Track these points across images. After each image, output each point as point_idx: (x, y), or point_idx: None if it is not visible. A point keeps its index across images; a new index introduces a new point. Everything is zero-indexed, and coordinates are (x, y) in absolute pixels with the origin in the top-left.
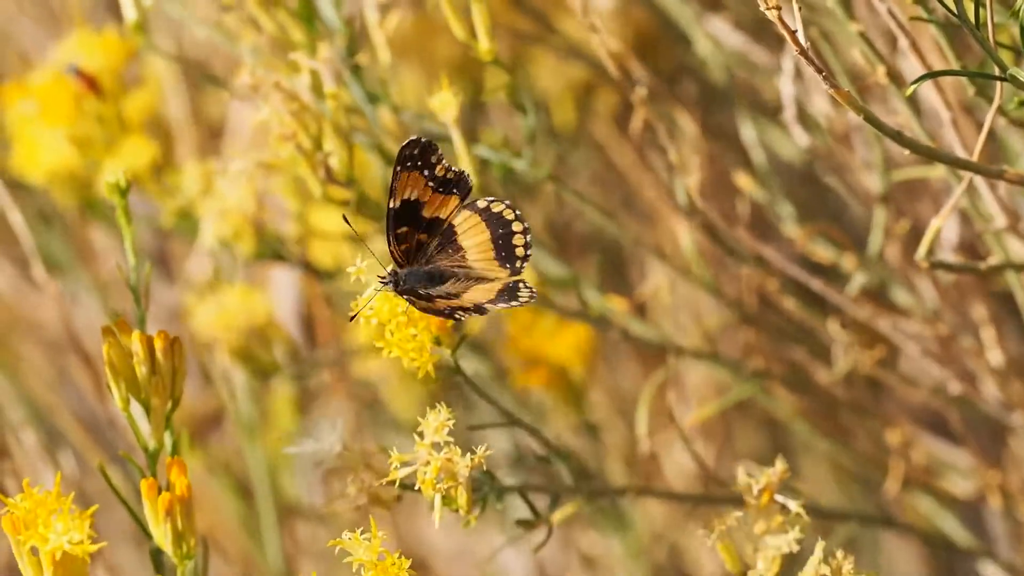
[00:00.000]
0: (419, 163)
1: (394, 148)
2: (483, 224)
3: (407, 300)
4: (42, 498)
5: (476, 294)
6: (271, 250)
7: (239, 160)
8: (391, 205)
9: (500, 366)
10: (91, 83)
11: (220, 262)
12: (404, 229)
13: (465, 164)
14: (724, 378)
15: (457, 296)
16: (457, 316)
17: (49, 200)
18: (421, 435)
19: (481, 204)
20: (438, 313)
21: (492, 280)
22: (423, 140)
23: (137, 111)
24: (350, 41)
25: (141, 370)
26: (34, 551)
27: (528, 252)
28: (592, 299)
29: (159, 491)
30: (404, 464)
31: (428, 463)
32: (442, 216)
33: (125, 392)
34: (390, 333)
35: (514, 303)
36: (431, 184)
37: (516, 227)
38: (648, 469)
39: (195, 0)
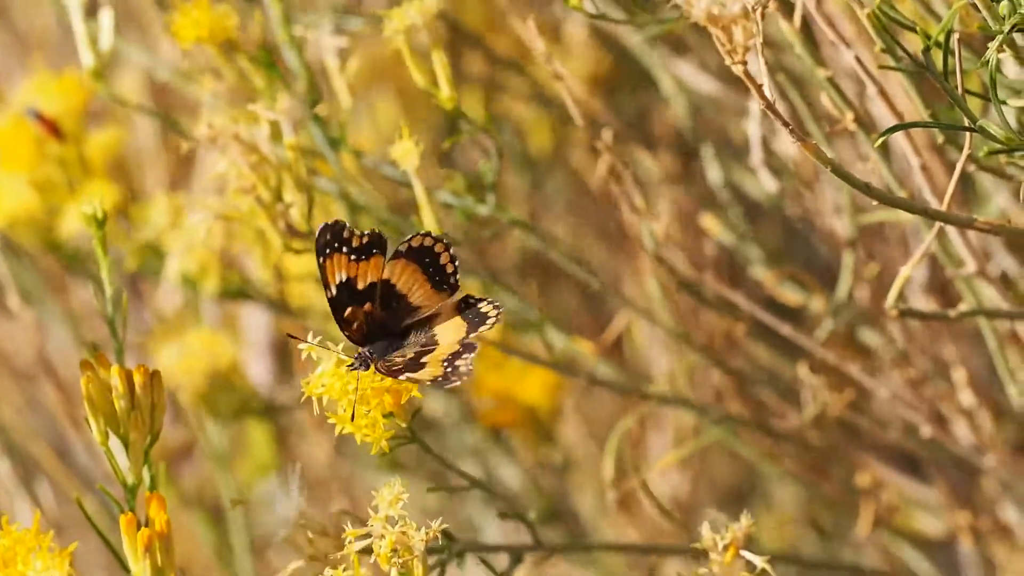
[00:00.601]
0: (336, 245)
1: (356, 195)
2: (409, 263)
3: (386, 374)
4: (21, 535)
5: (446, 335)
6: (238, 289)
7: (198, 212)
8: (329, 296)
9: (469, 405)
10: (51, 127)
11: (188, 299)
12: (349, 311)
13: (426, 212)
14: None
15: (430, 346)
16: (455, 372)
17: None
18: (375, 509)
19: (401, 248)
20: (434, 381)
21: (441, 314)
22: (329, 224)
23: (99, 153)
24: (311, 86)
25: (120, 404)
26: None
27: (455, 264)
28: (557, 342)
29: (138, 526)
30: (359, 538)
31: (383, 537)
32: (374, 279)
33: (104, 426)
34: (342, 409)
35: (490, 323)
36: (353, 257)
37: (437, 248)
38: (622, 502)
39: (163, 37)
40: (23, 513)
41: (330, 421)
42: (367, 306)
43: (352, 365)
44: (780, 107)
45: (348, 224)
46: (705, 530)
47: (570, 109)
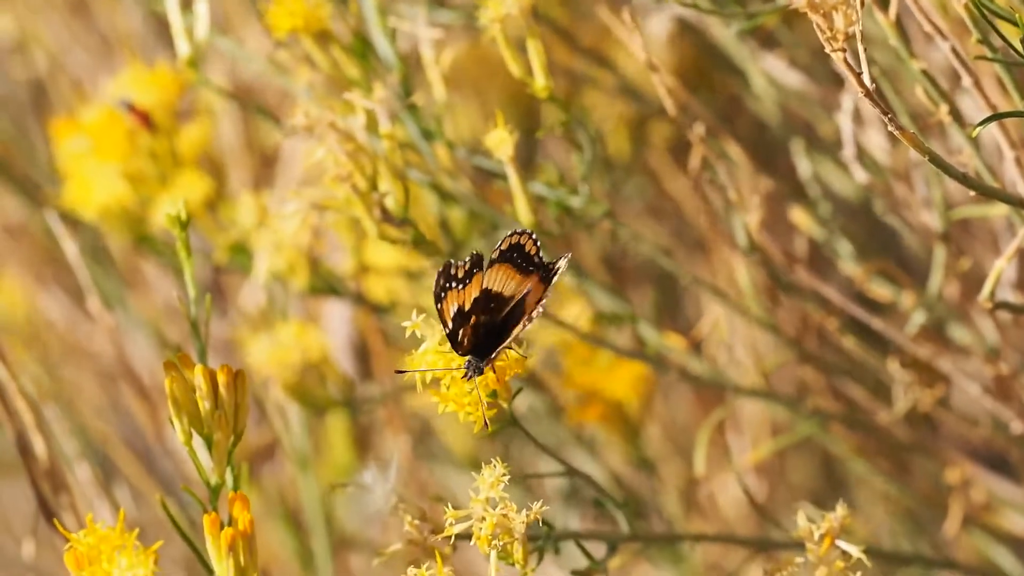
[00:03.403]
0: (448, 285)
1: (449, 184)
2: (502, 265)
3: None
4: (105, 534)
5: (530, 301)
6: (325, 284)
7: (293, 200)
8: (447, 331)
9: (556, 401)
10: (144, 118)
11: (274, 296)
12: (461, 333)
13: (520, 202)
14: (780, 414)
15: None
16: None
17: (100, 234)
18: (476, 491)
19: (494, 255)
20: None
21: (531, 291)
22: (440, 270)
23: (190, 146)
24: (405, 78)
25: (204, 405)
26: None
27: (538, 246)
28: (649, 337)
29: (221, 526)
30: (460, 520)
31: (483, 519)
32: (476, 295)
33: (187, 427)
34: (446, 387)
35: (559, 271)
36: (460, 287)
37: (523, 240)
38: (705, 503)
39: (248, 34)
40: (103, 515)
41: (434, 399)
42: (472, 319)
43: (465, 375)
44: (877, 99)
45: (452, 263)
46: (801, 520)
47: (663, 100)
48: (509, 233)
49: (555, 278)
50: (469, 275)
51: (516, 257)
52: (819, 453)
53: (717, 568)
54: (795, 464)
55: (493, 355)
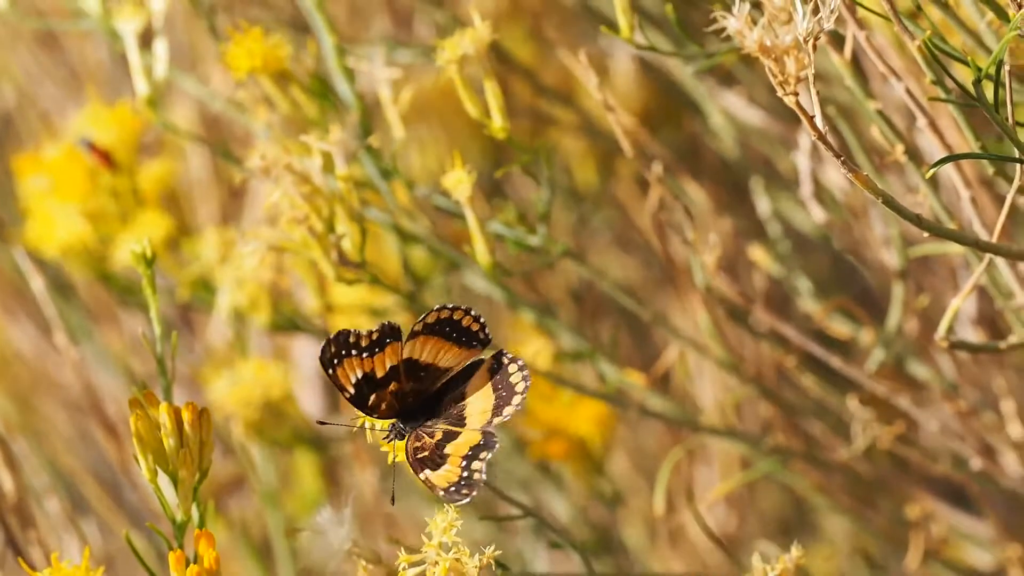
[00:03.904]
0: (343, 353)
1: (408, 224)
2: (429, 337)
3: (411, 464)
4: (71, 572)
5: (476, 405)
6: (288, 321)
7: (250, 242)
8: (347, 396)
9: (519, 437)
10: (104, 157)
11: (240, 332)
12: (373, 398)
13: (479, 243)
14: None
15: (458, 425)
16: (468, 481)
17: (66, 270)
18: (429, 536)
19: (417, 327)
20: (447, 491)
21: (475, 375)
22: (331, 338)
23: (152, 183)
24: (363, 117)
25: (169, 442)
26: None
27: (481, 322)
28: (609, 374)
29: (187, 563)
30: (413, 564)
31: (436, 563)
32: (394, 363)
33: (153, 464)
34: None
35: (517, 401)
36: (366, 354)
37: (456, 316)
38: (672, 535)
39: (214, 70)
40: (71, 549)
41: (383, 449)
42: (392, 386)
43: (387, 437)
44: (830, 139)
45: (353, 329)
46: (756, 560)
47: (620, 140)
48: (437, 307)
49: (507, 409)
50: (379, 344)
51: (449, 330)
52: (791, 489)
53: None
54: (764, 495)
55: (414, 458)
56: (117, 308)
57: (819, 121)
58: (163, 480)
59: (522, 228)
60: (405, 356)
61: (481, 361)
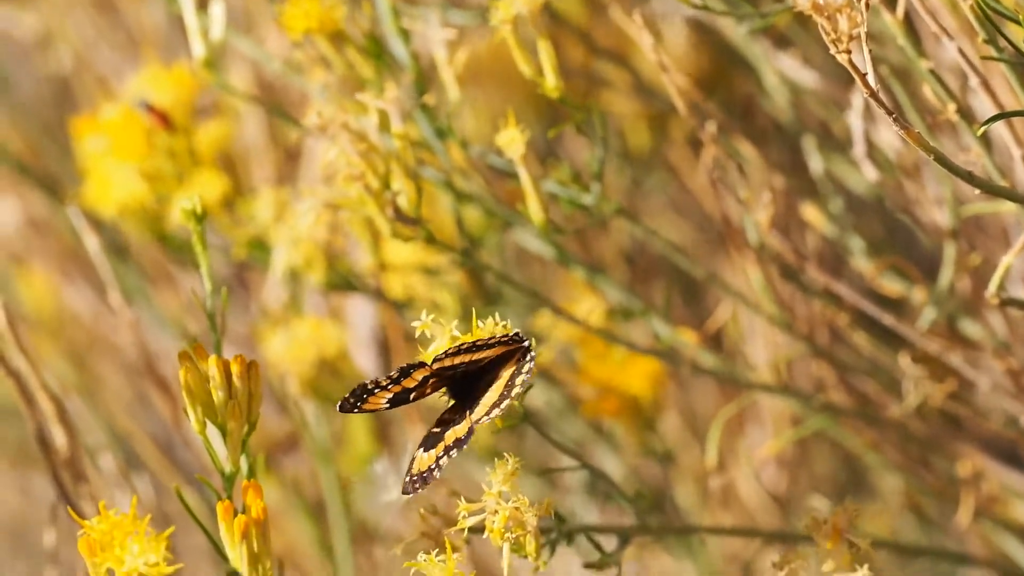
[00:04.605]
0: (364, 398)
1: (463, 183)
2: (458, 356)
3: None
4: (118, 520)
5: (498, 384)
6: (343, 280)
7: (307, 199)
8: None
9: (572, 395)
10: (162, 118)
11: (294, 291)
12: (414, 396)
13: (532, 201)
14: (800, 408)
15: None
16: (431, 473)
17: (123, 231)
18: (490, 485)
19: (440, 356)
20: (411, 479)
21: (504, 374)
22: (348, 395)
23: (208, 144)
24: (419, 77)
25: (218, 394)
26: (110, 573)
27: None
28: (662, 332)
29: (235, 514)
30: (473, 512)
31: (496, 512)
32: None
33: (202, 416)
34: None
35: (509, 396)
36: (389, 386)
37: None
38: (722, 494)
39: (269, 32)
40: (123, 505)
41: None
42: (431, 381)
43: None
44: (883, 98)
45: (365, 383)
46: (810, 512)
47: (674, 100)
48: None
49: (504, 401)
50: (403, 376)
51: (471, 349)
52: (841, 448)
53: (737, 559)
54: (816, 456)
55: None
56: (173, 269)
57: (871, 78)
58: (213, 433)
59: (575, 187)
60: (435, 369)
61: (520, 349)
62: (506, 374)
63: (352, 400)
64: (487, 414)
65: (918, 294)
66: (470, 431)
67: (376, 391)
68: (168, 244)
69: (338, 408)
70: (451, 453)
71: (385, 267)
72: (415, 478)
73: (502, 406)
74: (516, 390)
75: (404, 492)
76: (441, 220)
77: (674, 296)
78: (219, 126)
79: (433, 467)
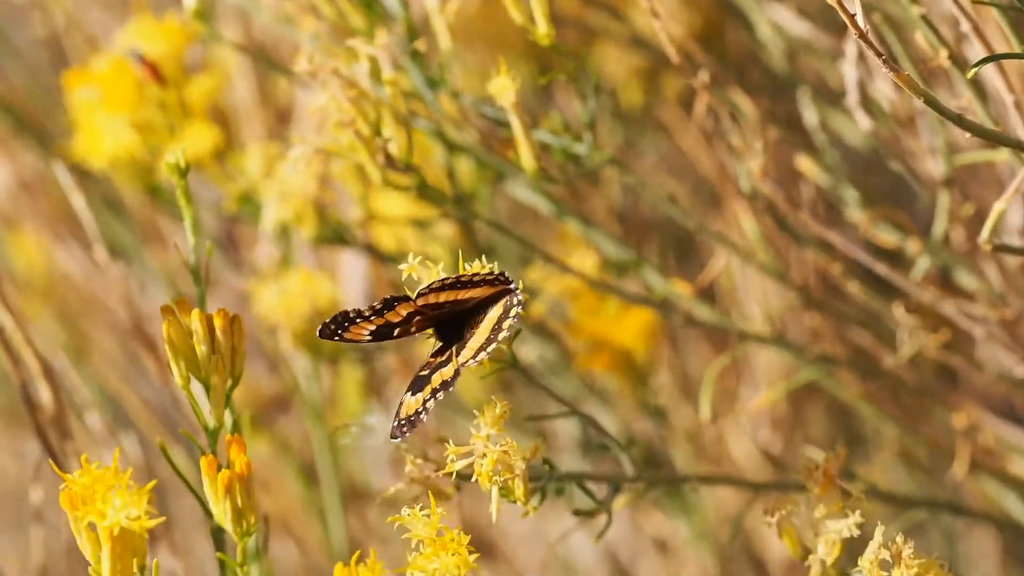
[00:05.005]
0: (345, 326)
1: (455, 133)
2: (443, 292)
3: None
4: (100, 474)
5: (484, 325)
6: (333, 234)
7: (298, 146)
8: (367, 343)
9: (565, 349)
10: (153, 70)
11: (285, 246)
12: (398, 331)
13: (524, 148)
14: (795, 363)
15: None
16: (418, 417)
17: (116, 189)
18: (478, 428)
19: (424, 290)
20: (399, 423)
21: (492, 315)
22: (328, 320)
23: (200, 97)
24: (410, 26)
25: (201, 349)
26: (92, 527)
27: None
28: (655, 283)
29: (219, 469)
30: (461, 456)
31: (484, 456)
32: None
33: (185, 371)
34: None
35: (496, 340)
36: (369, 317)
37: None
38: (715, 450)
39: None
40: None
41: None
42: (415, 319)
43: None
44: (873, 42)
45: (347, 311)
46: (803, 460)
47: (666, 48)
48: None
49: (500, 333)
50: (386, 308)
51: (456, 285)
52: (834, 401)
53: (729, 518)
54: (810, 412)
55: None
56: (164, 225)
57: (861, 19)
58: (197, 390)
59: (568, 136)
60: (420, 305)
61: (508, 291)
62: (493, 316)
63: (333, 327)
64: (474, 356)
65: (912, 244)
66: (456, 373)
67: (358, 320)
68: (159, 197)
69: (318, 333)
70: (438, 395)
71: (375, 219)
72: (403, 422)
73: (489, 349)
74: (503, 333)
75: (392, 437)
76: (433, 172)
77: (667, 250)
78: (210, 79)
79: (420, 411)
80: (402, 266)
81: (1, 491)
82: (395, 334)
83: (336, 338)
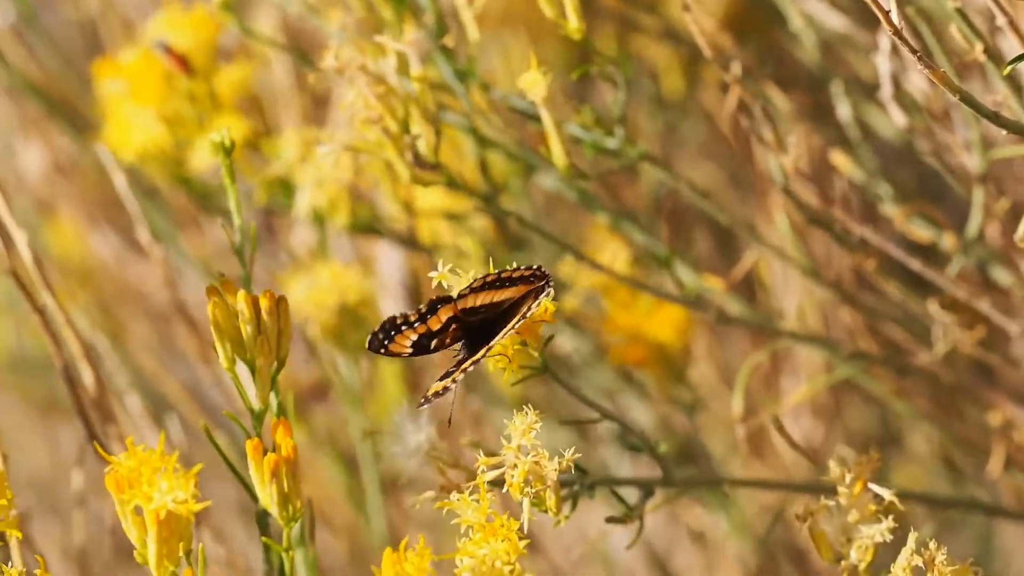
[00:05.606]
0: (392, 333)
1: (485, 127)
2: (480, 293)
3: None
4: (146, 456)
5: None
6: (367, 224)
7: (326, 144)
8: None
9: (599, 344)
10: (181, 61)
11: (322, 237)
12: (435, 343)
13: (555, 143)
14: (836, 359)
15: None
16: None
17: (150, 177)
18: (508, 438)
19: (464, 291)
20: (425, 399)
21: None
22: (377, 330)
23: (229, 88)
24: (438, 19)
25: (246, 330)
26: (138, 510)
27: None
28: (687, 279)
29: (264, 452)
30: (492, 467)
31: (515, 466)
32: (451, 314)
33: (230, 352)
34: None
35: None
36: (413, 325)
37: (504, 274)
38: (754, 444)
39: None
40: (153, 444)
41: None
42: (452, 326)
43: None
44: (909, 39)
45: (399, 313)
46: (833, 463)
47: (698, 42)
48: (484, 275)
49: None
50: (430, 312)
51: (495, 283)
52: (874, 398)
53: (770, 511)
54: (849, 409)
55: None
56: (198, 215)
57: (895, 15)
58: (242, 371)
59: (600, 130)
60: (461, 308)
61: (539, 289)
62: (523, 305)
63: (381, 336)
64: (502, 336)
65: (947, 240)
66: (486, 350)
67: (403, 328)
68: (190, 189)
69: (367, 346)
70: (467, 369)
71: (410, 211)
72: (430, 397)
73: (516, 326)
74: (531, 312)
75: (419, 406)
76: (464, 165)
77: (703, 244)
78: (240, 69)
79: (448, 387)
80: (432, 274)
81: (38, 478)
82: (432, 347)
83: (382, 350)
